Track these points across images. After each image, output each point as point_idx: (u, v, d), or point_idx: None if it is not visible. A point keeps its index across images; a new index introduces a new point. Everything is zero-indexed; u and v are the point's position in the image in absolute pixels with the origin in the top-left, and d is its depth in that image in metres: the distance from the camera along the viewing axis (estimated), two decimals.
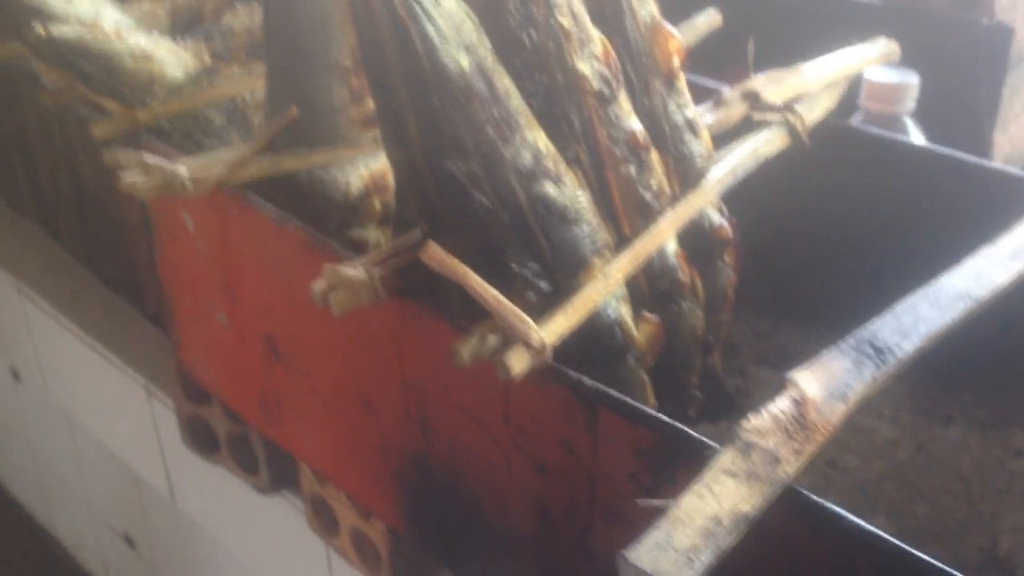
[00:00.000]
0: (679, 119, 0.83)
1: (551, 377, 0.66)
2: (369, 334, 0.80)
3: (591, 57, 0.72)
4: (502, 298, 0.64)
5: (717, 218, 0.86)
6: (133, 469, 1.49)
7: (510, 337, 0.65)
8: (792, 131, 0.97)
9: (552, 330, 0.67)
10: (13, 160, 1.31)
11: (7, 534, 2.09)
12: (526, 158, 0.66)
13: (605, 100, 0.73)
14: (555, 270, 0.69)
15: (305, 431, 0.95)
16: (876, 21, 1.22)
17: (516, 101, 0.67)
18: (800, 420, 0.57)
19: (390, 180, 1.00)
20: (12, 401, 1.87)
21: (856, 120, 1.12)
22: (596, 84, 0.72)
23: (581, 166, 0.73)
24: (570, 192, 0.70)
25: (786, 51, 1.02)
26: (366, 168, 0.97)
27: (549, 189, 0.68)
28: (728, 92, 0.97)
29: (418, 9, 0.62)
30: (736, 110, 0.96)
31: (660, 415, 0.61)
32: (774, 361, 1.07)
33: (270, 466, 1.13)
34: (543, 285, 0.69)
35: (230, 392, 1.04)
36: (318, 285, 0.72)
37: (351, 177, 0.96)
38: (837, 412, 0.58)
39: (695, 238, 0.84)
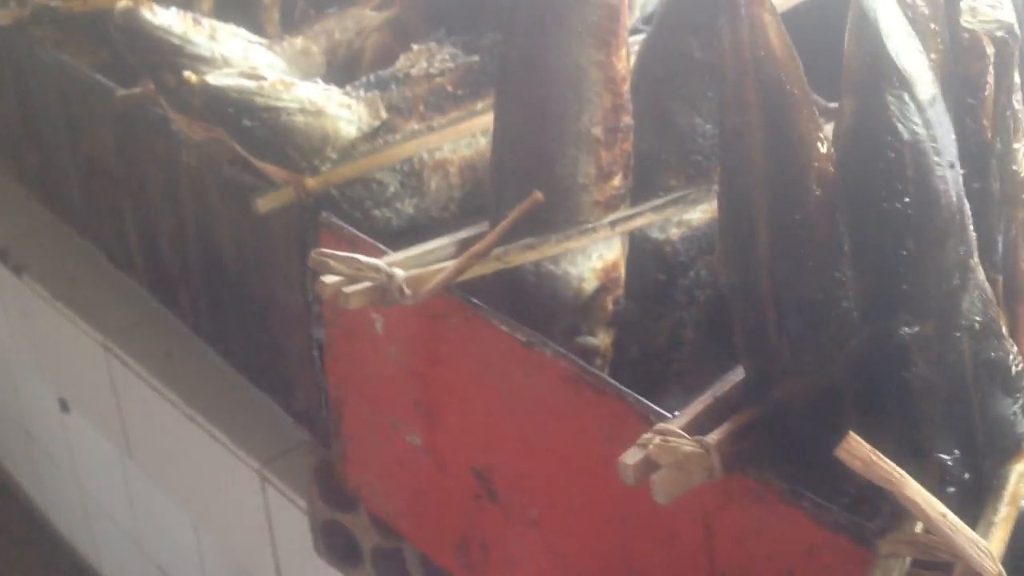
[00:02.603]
0: None
1: None
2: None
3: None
4: (956, 520, 0.44)
5: None
6: (228, 547, 1.33)
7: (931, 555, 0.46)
8: None
9: (996, 549, 0.47)
10: (123, 211, 1.12)
11: (47, 565, 1.95)
12: (977, 308, 0.47)
13: None
14: (983, 456, 0.50)
15: None
16: None
17: (971, 225, 0.47)
18: None
19: (622, 272, 0.80)
20: (59, 432, 1.72)
21: None
22: None
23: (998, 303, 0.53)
24: (1011, 348, 0.50)
25: None
26: (600, 259, 0.78)
27: (996, 349, 0.48)
28: None
29: (912, 108, 0.40)
30: None
31: None
32: None
33: None
34: (966, 477, 0.49)
35: (413, 525, 0.85)
36: (631, 458, 0.53)
37: (584, 271, 0.77)
38: None
39: None
